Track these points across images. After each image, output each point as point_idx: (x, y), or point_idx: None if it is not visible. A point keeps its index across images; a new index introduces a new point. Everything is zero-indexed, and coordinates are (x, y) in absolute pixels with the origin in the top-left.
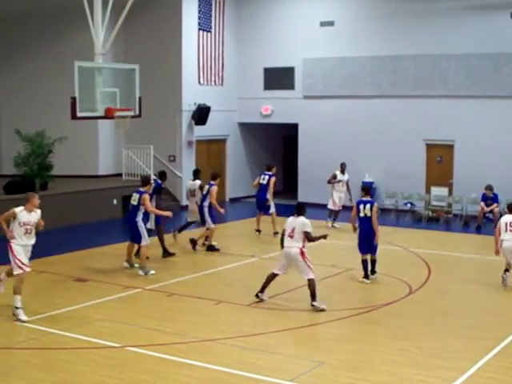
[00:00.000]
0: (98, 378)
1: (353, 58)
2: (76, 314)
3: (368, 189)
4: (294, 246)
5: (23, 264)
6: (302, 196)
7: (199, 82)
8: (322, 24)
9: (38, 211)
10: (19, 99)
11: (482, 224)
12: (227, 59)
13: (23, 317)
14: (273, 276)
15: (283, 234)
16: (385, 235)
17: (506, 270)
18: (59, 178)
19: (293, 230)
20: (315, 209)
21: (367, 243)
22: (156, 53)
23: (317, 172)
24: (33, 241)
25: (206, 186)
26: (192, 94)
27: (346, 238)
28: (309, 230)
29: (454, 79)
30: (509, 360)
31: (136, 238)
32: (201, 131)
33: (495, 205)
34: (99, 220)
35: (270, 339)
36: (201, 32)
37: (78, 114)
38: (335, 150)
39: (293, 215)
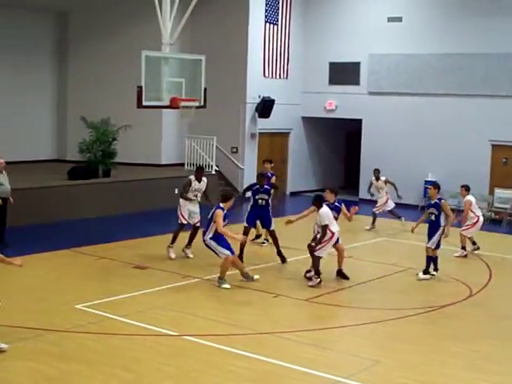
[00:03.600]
0: (154, 365)
1: (419, 55)
2: (135, 300)
3: None
4: None
5: None
6: (364, 193)
7: (264, 75)
8: (390, 19)
9: None
10: (86, 86)
11: None
12: (293, 53)
13: None
14: None
15: None
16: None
17: None
18: (122, 166)
19: None
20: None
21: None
22: (222, 44)
23: (379, 169)
24: None
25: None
26: (256, 86)
27: (411, 238)
28: None
29: None
30: None
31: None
32: (264, 124)
33: None
34: (160, 208)
35: (326, 335)
36: (267, 25)
37: (144, 103)
38: (398, 147)
39: None
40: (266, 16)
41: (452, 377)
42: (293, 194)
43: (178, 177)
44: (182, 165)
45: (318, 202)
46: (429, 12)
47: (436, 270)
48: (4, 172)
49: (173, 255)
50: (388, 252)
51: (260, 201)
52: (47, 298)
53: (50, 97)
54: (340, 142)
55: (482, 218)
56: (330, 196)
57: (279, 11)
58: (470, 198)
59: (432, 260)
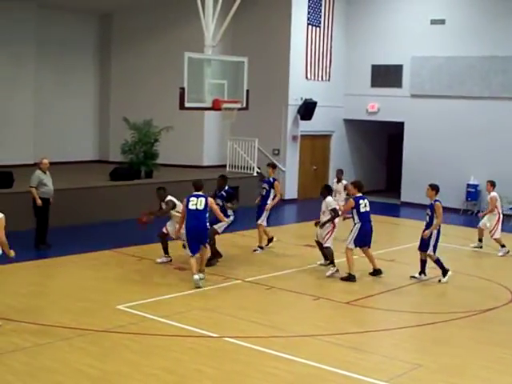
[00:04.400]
0: (193, 366)
1: (462, 58)
2: (175, 302)
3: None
4: None
5: None
6: (405, 196)
7: (306, 77)
8: (433, 22)
9: None
10: (129, 87)
11: None
12: (335, 55)
13: None
14: None
15: None
16: (488, 239)
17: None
18: (164, 167)
19: None
20: (418, 209)
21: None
22: (264, 46)
23: (421, 172)
24: None
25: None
26: (299, 88)
27: (452, 241)
28: None
29: None
30: None
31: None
32: (306, 126)
33: None
34: None
35: (367, 338)
36: (310, 27)
37: (186, 105)
38: (441, 150)
39: None
40: (308, 18)
41: (492, 382)
42: None
43: None
44: (224, 166)
45: (326, 190)
46: (472, 14)
47: (423, 273)
48: (48, 173)
49: (159, 259)
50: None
51: None
52: (88, 298)
53: (92, 98)
54: (382, 144)
55: (501, 216)
56: (352, 190)
57: (322, 13)
58: (495, 194)
59: (422, 262)
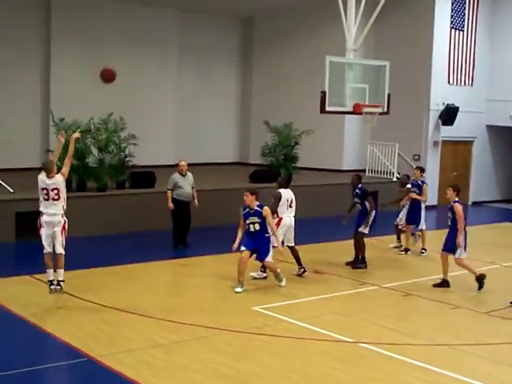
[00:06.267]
0: (327, 370)
1: None
2: (311, 305)
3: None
4: None
5: None
6: None
7: (448, 82)
8: None
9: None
10: (269, 90)
11: None
12: (478, 59)
13: None
14: None
15: None
16: None
17: None
18: (303, 170)
19: None
20: None
21: None
22: (406, 50)
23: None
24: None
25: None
26: (440, 93)
27: None
28: None
29: None
30: None
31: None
32: (447, 131)
33: None
34: (341, 214)
35: (507, 350)
36: (453, 31)
37: (327, 109)
38: None
39: None
40: (451, 22)
41: None
42: (475, 203)
43: None
44: (364, 171)
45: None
46: None
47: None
48: (188, 174)
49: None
50: None
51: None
52: (224, 298)
53: (233, 100)
54: None
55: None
56: (451, 194)
57: (465, 17)
58: None
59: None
